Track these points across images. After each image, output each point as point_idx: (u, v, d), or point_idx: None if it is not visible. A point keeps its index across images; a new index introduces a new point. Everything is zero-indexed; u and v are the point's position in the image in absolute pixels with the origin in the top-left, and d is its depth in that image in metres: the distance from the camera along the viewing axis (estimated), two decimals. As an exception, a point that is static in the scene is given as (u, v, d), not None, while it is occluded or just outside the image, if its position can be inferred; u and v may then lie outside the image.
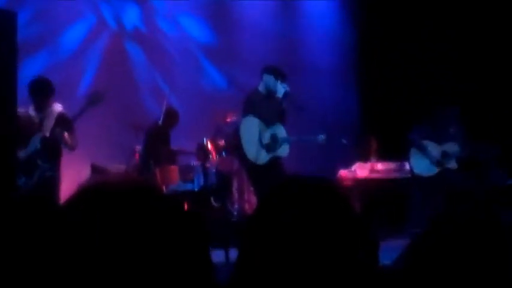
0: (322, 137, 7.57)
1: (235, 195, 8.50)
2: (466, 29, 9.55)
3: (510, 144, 7.93)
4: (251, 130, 7.24)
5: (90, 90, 7.29)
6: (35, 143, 6.70)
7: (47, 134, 6.75)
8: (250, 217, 1.46)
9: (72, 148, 6.92)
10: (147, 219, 1.20)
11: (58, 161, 6.86)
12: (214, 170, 8.02)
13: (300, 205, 1.38)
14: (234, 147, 7.63)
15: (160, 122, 8.29)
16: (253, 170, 7.32)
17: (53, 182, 6.72)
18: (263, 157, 7.26)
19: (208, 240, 1.28)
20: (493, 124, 8.68)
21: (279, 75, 7.38)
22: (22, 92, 6.24)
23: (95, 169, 8.34)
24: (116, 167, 8.33)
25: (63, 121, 6.82)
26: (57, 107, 6.93)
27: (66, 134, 6.75)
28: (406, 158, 8.31)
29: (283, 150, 7.39)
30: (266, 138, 7.29)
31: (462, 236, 1.42)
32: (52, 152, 6.76)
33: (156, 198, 1.24)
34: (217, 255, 5.95)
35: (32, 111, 6.85)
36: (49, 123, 6.80)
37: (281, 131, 7.40)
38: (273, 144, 7.32)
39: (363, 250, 1.38)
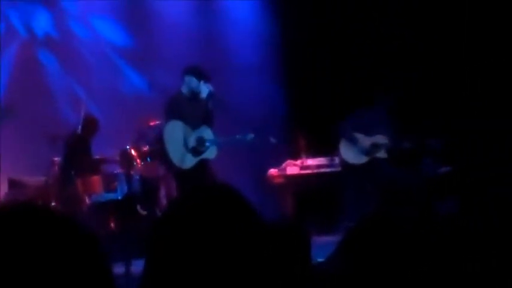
0: (250, 136, 7.56)
1: (163, 201, 8.34)
2: (393, 20, 9.51)
3: (444, 135, 7.97)
4: (175, 134, 7.16)
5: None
6: None
7: None
8: (152, 229, 1.46)
9: None
10: (32, 244, 1.14)
11: None
12: (138, 177, 7.93)
13: (201, 214, 1.39)
14: (159, 152, 7.54)
15: (79, 131, 8.14)
16: (180, 175, 7.26)
17: None
18: (189, 161, 7.19)
19: (106, 261, 1.22)
20: (422, 115, 8.69)
21: (202, 75, 7.35)
22: None
23: (12, 183, 8.16)
24: (35, 179, 8.16)
25: None
26: None
27: None
28: (335, 148, 8.29)
29: (211, 153, 7.32)
30: (192, 142, 7.21)
31: (393, 233, 1.42)
32: None
33: (42, 221, 1.18)
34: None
35: None
36: None
37: (208, 133, 7.32)
38: (199, 147, 7.25)
39: (293, 250, 1.40)
